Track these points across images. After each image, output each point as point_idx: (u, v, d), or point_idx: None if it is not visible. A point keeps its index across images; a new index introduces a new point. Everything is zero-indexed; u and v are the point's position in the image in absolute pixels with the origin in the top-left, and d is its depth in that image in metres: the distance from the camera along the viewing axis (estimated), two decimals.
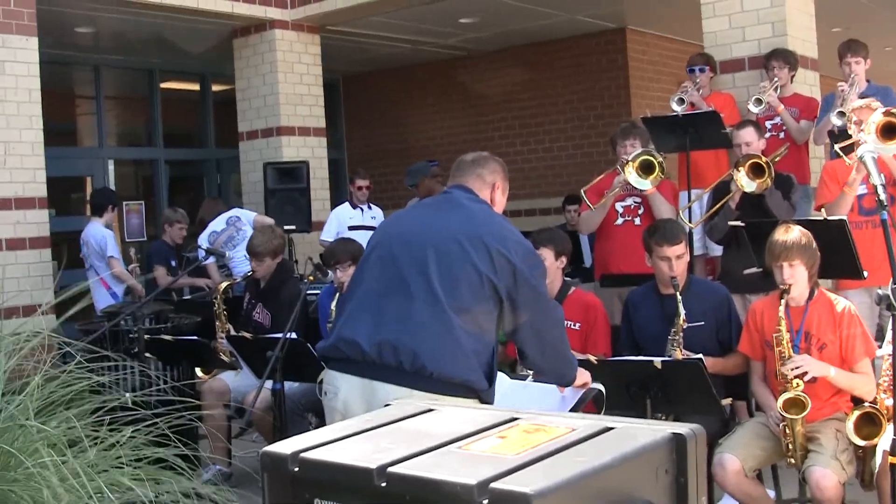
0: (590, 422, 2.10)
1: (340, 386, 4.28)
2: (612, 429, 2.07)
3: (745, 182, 7.11)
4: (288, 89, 13.14)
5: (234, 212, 11.10)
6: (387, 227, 4.84)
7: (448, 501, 1.83)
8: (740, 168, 7.13)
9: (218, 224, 10.82)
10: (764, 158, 7.16)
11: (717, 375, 5.61)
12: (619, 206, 7.83)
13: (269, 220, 10.89)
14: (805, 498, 5.57)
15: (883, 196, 4.21)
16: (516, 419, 2.17)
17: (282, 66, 13.09)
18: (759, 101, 8.30)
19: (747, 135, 7.54)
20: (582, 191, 8.02)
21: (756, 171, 7.12)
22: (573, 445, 1.99)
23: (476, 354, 4.20)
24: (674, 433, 2.04)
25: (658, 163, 7.46)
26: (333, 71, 16.28)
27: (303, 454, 2.07)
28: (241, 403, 7.24)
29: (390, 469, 1.95)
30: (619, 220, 7.80)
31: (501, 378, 4.81)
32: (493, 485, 1.81)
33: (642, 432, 2.03)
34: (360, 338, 4.20)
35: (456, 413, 2.29)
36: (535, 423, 2.13)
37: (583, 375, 4.80)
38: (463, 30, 14.92)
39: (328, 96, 14.39)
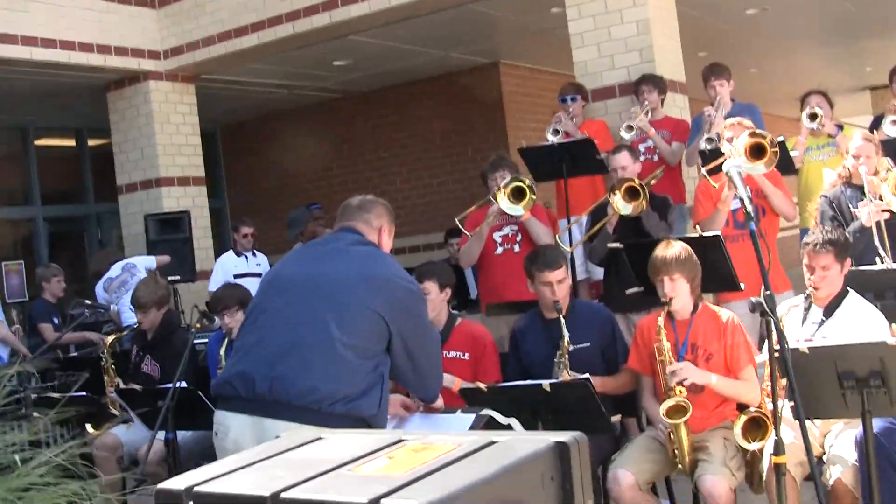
0: (475, 437, 2.15)
1: (231, 425, 4.30)
2: (496, 442, 2.13)
3: (621, 206, 7.24)
4: (165, 140, 13.07)
5: (131, 259, 11.02)
6: (277, 270, 4.89)
7: None
8: (616, 192, 7.27)
9: (114, 271, 10.71)
10: (638, 181, 7.30)
11: (605, 395, 5.71)
12: (496, 236, 7.93)
13: (166, 259, 10.91)
14: None
15: (750, 208, 4.34)
16: (403, 440, 2.22)
17: (158, 117, 13.02)
18: (629, 128, 8.49)
19: (622, 159, 7.69)
20: (457, 219, 8.10)
21: (631, 194, 7.26)
22: (460, 460, 2.04)
23: (369, 386, 4.28)
24: (556, 441, 2.10)
25: (528, 187, 7.56)
26: (210, 119, 16.20)
27: (196, 488, 2.09)
28: (133, 456, 7.17)
29: (283, 495, 1.97)
30: (499, 250, 7.91)
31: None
32: (383, 501, 1.85)
33: (526, 443, 2.08)
34: (251, 375, 4.25)
35: (344, 439, 2.33)
36: (422, 442, 2.18)
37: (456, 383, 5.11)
38: (337, 72, 14.99)
39: (206, 145, 14.32)
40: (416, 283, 4.76)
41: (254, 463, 2.21)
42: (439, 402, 5.18)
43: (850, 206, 6.91)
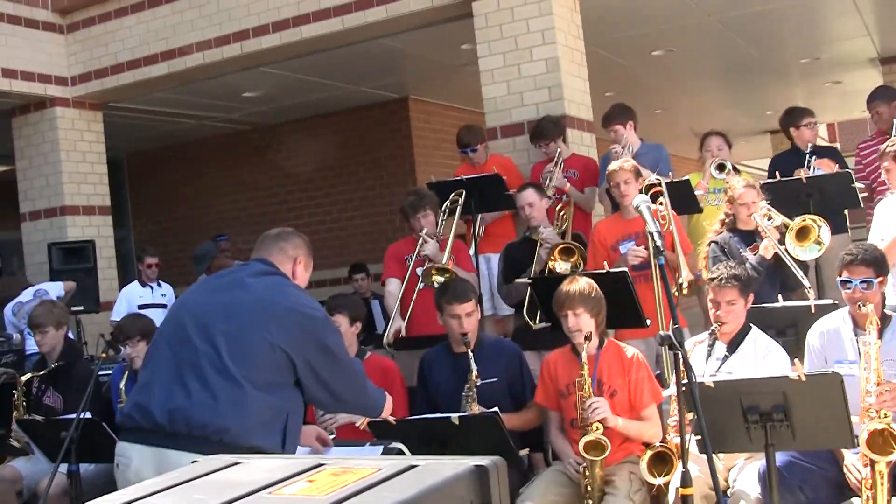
0: (394, 461, 2.17)
1: (132, 456, 4.27)
2: (416, 466, 2.14)
3: (560, 268, 7.25)
4: (71, 168, 12.85)
5: (43, 285, 10.85)
6: (181, 301, 4.91)
7: None
8: (553, 258, 7.30)
9: (24, 296, 10.54)
10: (568, 242, 7.38)
11: (512, 429, 5.75)
12: (419, 270, 7.92)
13: (73, 284, 10.78)
14: None
15: (659, 242, 4.43)
16: (323, 464, 2.23)
17: (64, 145, 12.80)
18: (548, 198, 8.30)
19: (529, 196, 7.76)
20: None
21: (566, 252, 7.33)
22: (379, 483, 2.05)
23: (271, 420, 4.29)
24: (476, 465, 2.12)
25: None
26: (117, 148, 16.01)
27: None
28: (34, 490, 7.05)
29: None
30: (421, 285, 7.88)
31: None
32: None
33: (445, 467, 2.10)
34: (152, 406, 4.22)
35: (263, 463, 2.32)
36: (341, 466, 2.19)
37: (389, 402, 5.00)
38: (247, 104, 14.94)
39: (113, 174, 14.15)
40: (322, 311, 4.72)
41: (172, 486, 2.20)
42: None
43: (740, 249, 7.04)
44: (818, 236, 6.68)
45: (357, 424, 5.78)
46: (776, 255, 6.80)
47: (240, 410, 4.17)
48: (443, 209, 8.17)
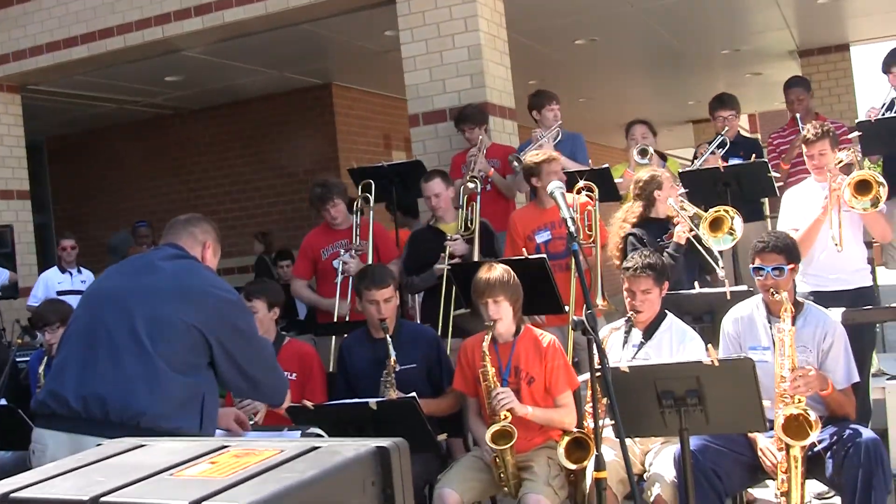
0: (297, 443, 2.17)
1: (48, 443, 4.24)
2: (318, 448, 2.15)
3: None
4: None
5: None
6: (96, 283, 4.92)
7: None
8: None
9: None
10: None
11: (431, 415, 5.76)
12: (337, 263, 7.91)
13: (16, 277, 10.68)
14: None
15: (573, 228, 4.45)
16: (226, 446, 2.23)
17: None
18: (473, 179, 8.23)
19: (436, 186, 7.79)
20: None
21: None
22: (281, 464, 2.06)
23: (188, 401, 4.28)
24: (378, 447, 2.14)
25: None
26: (37, 132, 15.81)
27: (13, 494, 2.06)
28: None
29: (102, 499, 1.96)
30: (339, 278, 7.86)
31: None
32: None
33: (346, 448, 2.11)
34: (67, 392, 4.19)
35: (167, 445, 2.32)
36: (244, 448, 2.19)
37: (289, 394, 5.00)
38: (169, 88, 14.82)
39: (32, 158, 13.95)
40: (235, 294, 4.73)
41: (74, 469, 2.19)
42: (284, 405, 5.15)
43: (658, 239, 7.10)
44: (731, 227, 6.75)
45: (257, 419, 5.76)
46: (690, 241, 6.88)
47: (157, 392, 4.16)
48: (354, 208, 8.15)
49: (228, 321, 4.47)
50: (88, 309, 4.56)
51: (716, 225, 6.80)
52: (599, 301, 6.99)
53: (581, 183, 7.55)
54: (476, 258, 7.39)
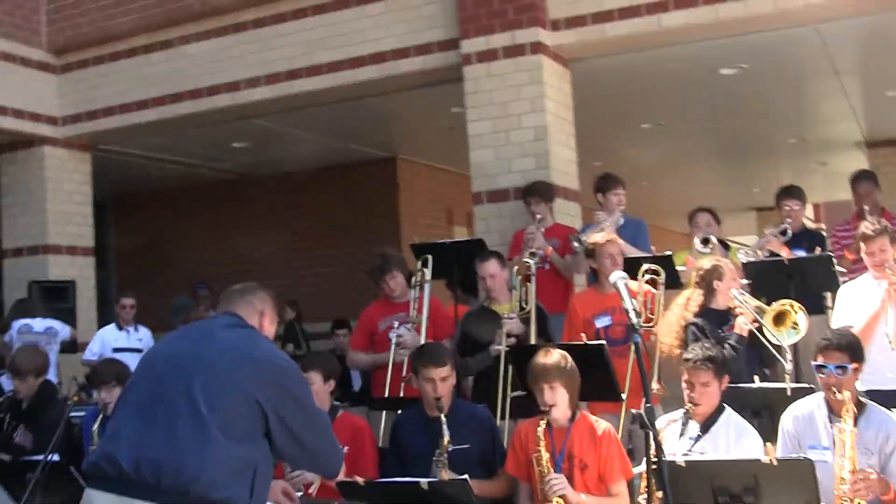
0: None
1: (97, 503, 4.23)
2: None
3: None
4: (56, 207, 12.89)
5: (55, 324, 10.86)
6: (156, 348, 4.91)
7: None
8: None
9: (38, 324, 10.54)
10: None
11: (482, 498, 5.71)
12: (392, 336, 7.90)
13: (76, 333, 10.81)
14: None
15: (635, 320, 4.42)
16: None
17: (51, 184, 12.85)
18: (532, 255, 8.28)
19: (491, 267, 7.76)
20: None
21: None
22: None
23: (241, 470, 4.26)
24: None
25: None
26: (104, 189, 16.02)
27: None
28: None
29: None
30: (392, 350, 7.84)
31: None
32: None
33: None
34: (120, 456, 4.19)
35: None
36: None
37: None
38: (235, 154, 15.00)
39: (98, 215, 14.14)
40: (293, 364, 4.71)
41: None
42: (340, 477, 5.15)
43: (719, 330, 7.03)
44: (795, 322, 6.67)
45: (310, 491, 5.74)
46: (751, 332, 6.80)
47: (210, 460, 4.14)
48: (412, 282, 8.16)
49: (286, 390, 4.46)
50: (147, 373, 4.57)
51: (780, 319, 6.71)
52: (655, 385, 6.93)
53: (646, 266, 7.49)
54: (533, 340, 7.35)
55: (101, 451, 4.34)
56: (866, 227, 7.01)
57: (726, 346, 6.64)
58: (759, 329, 6.79)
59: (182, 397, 4.27)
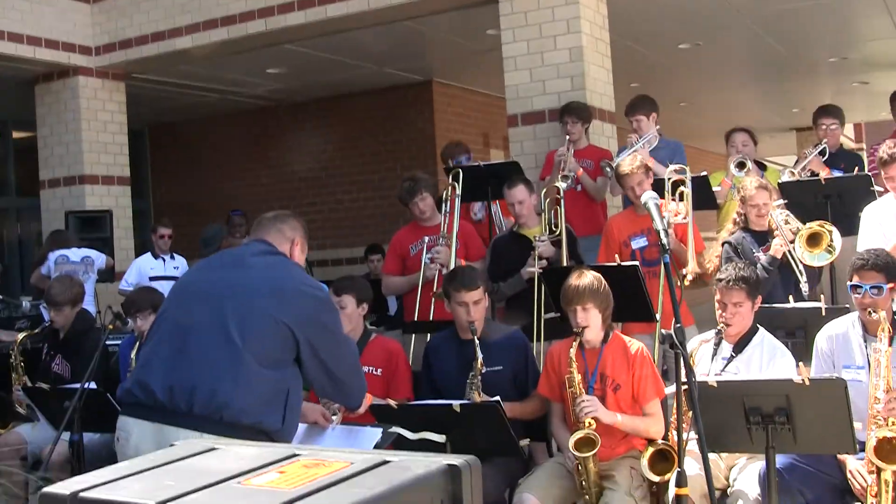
0: (368, 456, 2.15)
1: (132, 431, 4.28)
2: (389, 461, 2.12)
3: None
4: (92, 137, 12.89)
5: (91, 254, 10.93)
6: (187, 276, 5.00)
7: None
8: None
9: (74, 254, 10.63)
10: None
11: (515, 419, 5.73)
12: (426, 257, 7.91)
13: (112, 262, 10.87)
14: None
15: (665, 240, 4.39)
16: (297, 455, 2.21)
17: (85, 114, 12.85)
18: (565, 178, 8.31)
19: (519, 193, 7.73)
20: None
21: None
22: (350, 478, 2.03)
23: (273, 396, 4.30)
24: (449, 464, 2.09)
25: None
26: (140, 120, 16.07)
27: (82, 493, 2.05)
28: (38, 456, 7.07)
29: None
30: (431, 293, 7.85)
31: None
32: None
33: (417, 464, 2.08)
34: (154, 382, 4.23)
35: (238, 451, 2.31)
36: (314, 458, 2.17)
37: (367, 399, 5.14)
38: (271, 80, 14.94)
39: (134, 145, 14.17)
40: (325, 292, 4.78)
41: (144, 470, 2.18)
42: (361, 410, 5.22)
43: (753, 249, 7.01)
44: (830, 243, 6.61)
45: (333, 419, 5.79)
46: (786, 255, 6.75)
47: (242, 385, 4.18)
48: (444, 197, 8.19)
49: (317, 318, 4.50)
50: (178, 301, 4.61)
51: (814, 240, 6.65)
52: (691, 265, 6.95)
53: (671, 176, 7.41)
54: (565, 262, 7.33)
55: (135, 379, 4.38)
56: (884, 151, 6.92)
57: (759, 266, 6.60)
58: (789, 253, 6.75)
59: (214, 324, 4.30)
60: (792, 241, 6.74)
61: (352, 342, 5.03)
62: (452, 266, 7.60)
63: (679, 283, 6.82)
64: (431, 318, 7.65)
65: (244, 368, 4.20)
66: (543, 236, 7.51)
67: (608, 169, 8.31)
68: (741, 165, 8.38)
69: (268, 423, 4.24)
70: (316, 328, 4.46)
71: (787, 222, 6.88)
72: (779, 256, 6.76)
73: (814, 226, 6.68)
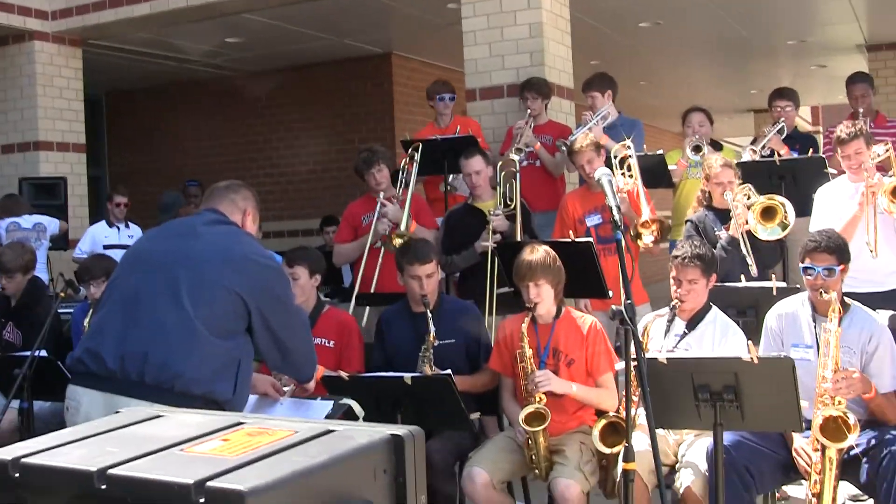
0: (312, 425, 2.15)
1: (82, 400, 4.25)
2: (332, 431, 2.12)
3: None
4: (47, 103, 12.74)
5: (43, 220, 10.81)
6: (139, 244, 4.91)
7: (167, 501, 1.86)
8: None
9: (25, 221, 10.52)
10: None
11: (467, 392, 5.74)
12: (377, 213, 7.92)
13: (66, 226, 10.77)
14: None
15: (618, 217, 4.40)
16: (241, 423, 2.21)
17: (41, 79, 12.69)
18: (519, 150, 8.39)
19: (476, 163, 7.76)
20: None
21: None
22: (293, 447, 2.03)
23: (224, 365, 4.29)
24: (392, 434, 2.10)
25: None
26: (97, 86, 15.93)
27: (24, 459, 2.05)
28: None
29: (111, 471, 1.94)
30: (379, 242, 7.88)
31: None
32: (209, 484, 1.84)
33: (361, 434, 2.08)
34: (105, 351, 4.20)
35: (182, 418, 2.31)
36: (259, 426, 2.17)
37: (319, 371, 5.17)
38: (229, 49, 14.83)
39: (91, 113, 14.04)
40: (277, 262, 4.81)
41: (88, 437, 2.18)
42: (311, 385, 5.26)
43: (714, 228, 7.05)
44: (784, 218, 6.67)
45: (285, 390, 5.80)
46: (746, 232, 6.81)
47: (195, 355, 4.17)
48: (401, 169, 8.23)
49: (268, 288, 4.49)
50: (130, 269, 4.57)
51: (768, 214, 6.70)
52: (645, 213, 7.07)
53: (619, 151, 7.44)
54: (519, 237, 7.34)
55: (85, 347, 4.35)
56: (841, 130, 6.99)
57: (718, 246, 6.64)
58: (750, 233, 6.79)
59: (166, 293, 4.28)
60: (746, 222, 6.78)
61: (303, 313, 5.03)
62: (403, 226, 7.65)
63: (631, 252, 6.83)
64: (374, 290, 7.76)
65: (196, 338, 4.18)
66: (498, 210, 7.53)
67: (563, 148, 8.32)
68: (697, 149, 8.41)
69: (219, 393, 4.23)
70: (267, 298, 4.45)
71: (748, 197, 6.90)
72: (737, 236, 6.81)
73: (765, 200, 6.73)
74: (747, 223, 6.76)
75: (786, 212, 6.67)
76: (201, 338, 4.19)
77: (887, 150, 7.15)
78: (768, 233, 6.71)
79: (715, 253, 6.15)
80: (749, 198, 6.91)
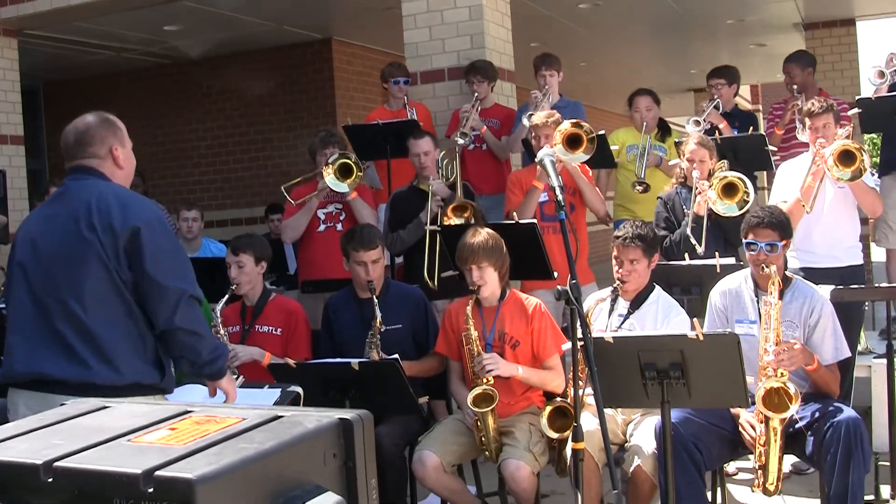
0: (260, 412, 2.14)
1: (18, 401, 4.19)
2: (280, 417, 2.12)
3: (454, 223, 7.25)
4: None
5: None
6: (20, 233, 4.55)
7: (115, 492, 1.84)
8: (448, 217, 7.32)
9: None
10: (463, 201, 7.44)
11: (415, 377, 5.76)
12: (321, 213, 7.88)
13: (4, 219, 10.55)
14: (504, 490, 5.74)
15: (561, 197, 4.42)
16: (189, 412, 2.19)
17: None
18: (464, 135, 8.40)
19: (425, 144, 7.77)
20: (283, 188, 8.05)
21: (459, 209, 7.38)
22: (241, 434, 2.03)
23: (136, 351, 4.18)
24: (340, 418, 2.10)
25: (355, 164, 7.59)
26: (34, 77, 15.72)
27: None
28: None
29: (57, 464, 1.93)
30: (322, 227, 7.86)
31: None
32: (157, 473, 1.83)
33: (309, 419, 2.08)
34: (19, 371, 4.15)
35: (129, 408, 2.29)
36: (206, 414, 2.16)
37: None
38: (167, 37, 14.69)
39: (28, 103, 13.85)
40: (149, 213, 4.39)
41: (33, 430, 2.16)
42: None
43: (685, 206, 7.11)
44: (745, 195, 6.74)
45: (261, 361, 5.79)
46: (713, 211, 6.87)
47: (104, 351, 4.08)
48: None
49: (139, 252, 4.16)
50: (16, 266, 4.35)
51: (730, 190, 6.77)
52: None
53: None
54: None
55: (7, 367, 4.23)
56: (812, 103, 7.10)
57: (682, 223, 6.74)
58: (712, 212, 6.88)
59: (55, 304, 4.14)
60: (706, 201, 6.86)
61: (184, 255, 4.59)
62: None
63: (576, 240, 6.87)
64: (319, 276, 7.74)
65: (100, 340, 4.09)
66: (436, 177, 7.58)
67: (525, 121, 8.26)
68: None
69: (143, 378, 4.18)
70: (139, 260, 4.15)
71: (722, 169, 6.99)
72: (700, 213, 6.87)
73: (728, 175, 6.81)
74: (708, 202, 6.84)
75: (746, 189, 6.74)
76: (105, 337, 4.11)
77: (848, 134, 7.23)
78: (726, 208, 6.78)
79: (656, 232, 6.19)
80: (723, 170, 7.00)
